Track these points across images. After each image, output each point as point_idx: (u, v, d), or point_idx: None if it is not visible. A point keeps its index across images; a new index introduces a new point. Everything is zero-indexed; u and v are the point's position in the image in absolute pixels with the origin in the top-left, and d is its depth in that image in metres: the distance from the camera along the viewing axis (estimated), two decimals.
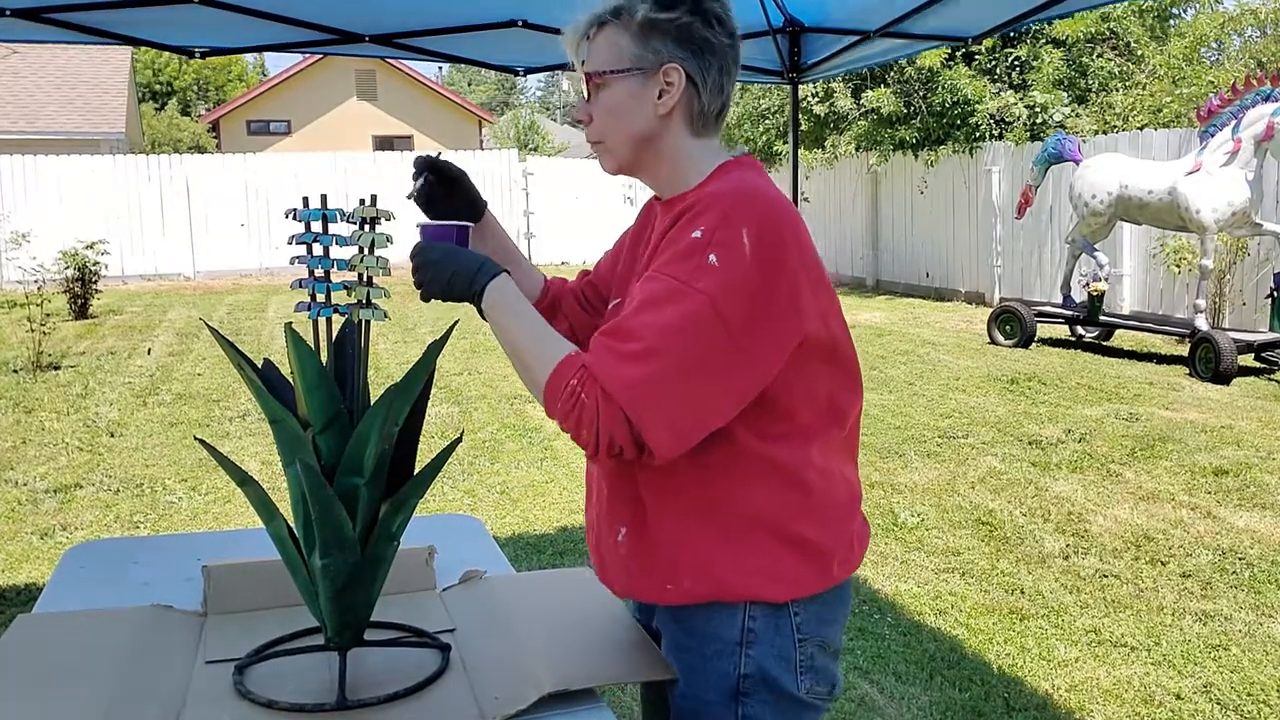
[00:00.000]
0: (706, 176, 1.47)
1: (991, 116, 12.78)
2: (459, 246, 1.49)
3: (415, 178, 1.62)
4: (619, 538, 1.49)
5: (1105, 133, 11.88)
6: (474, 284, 1.42)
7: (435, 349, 1.42)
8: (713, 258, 1.32)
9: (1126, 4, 13.02)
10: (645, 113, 1.45)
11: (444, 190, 1.66)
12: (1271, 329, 8.43)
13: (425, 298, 1.45)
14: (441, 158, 1.65)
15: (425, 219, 1.57)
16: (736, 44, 1.47)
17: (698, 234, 1.34)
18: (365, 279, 1.45)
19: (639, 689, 1.75)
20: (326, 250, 1.46)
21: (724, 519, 1.42)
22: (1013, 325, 9.79)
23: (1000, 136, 12.91)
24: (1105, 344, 9.78)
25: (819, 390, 1.44)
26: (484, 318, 1.45)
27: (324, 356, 1.44)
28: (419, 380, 1.42)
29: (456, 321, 1.82)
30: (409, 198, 1.58)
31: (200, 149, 26.78)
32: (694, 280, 1.32)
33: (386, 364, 9.00)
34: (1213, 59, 13.53)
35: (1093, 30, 13.03)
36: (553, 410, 1.35)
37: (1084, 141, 11.05)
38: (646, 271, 1.43)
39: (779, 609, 1.44)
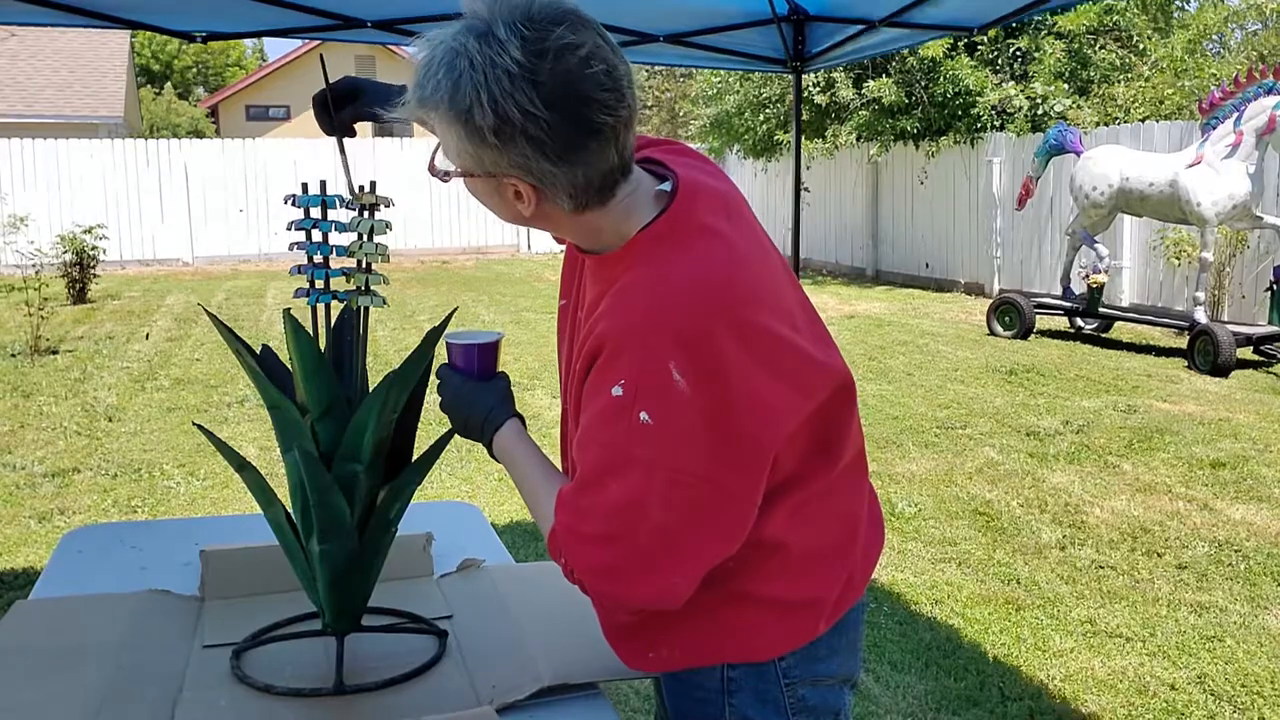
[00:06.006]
0: (628, 244, 1.21)
1: (993, 108, 12.75)
2: (471, 384, 1.39)
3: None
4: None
5: (1107, 124, 11.86)
6: (483, 434, 1.37)
7: (434, 336, 1.42)
8: (644, 416, 1.12)
9: None
10: (514, 211, 1.21)
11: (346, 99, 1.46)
12: (1270, 322, 8.43)
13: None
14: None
15: (454, 332, 1.43)
16: (621, 109, 1.12)
17: (618, 391, 1.12)
18: (364, 265, 1.45)
19: (655, 690, 1.74)
20: (325, 236, 1.46)
21: (708, 597, 1.28)
22: (1012, 316, 9.78)
23: (1001, 128, 12.87)
24: (1104, 336, 9.78)
25: (785, 462, 1.24)
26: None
27: (322, 343, 1.44)
28: (417, 367, 1.42)
29: (455, 309, 1.82)
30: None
31: (199, 134, 26.73)
32: (630, 448, 1.13)
33: (385, 350, 9.00)
34: (1215, 52, 13.51)
35: (1095, 22, 12.99)
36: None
37: (1085, 133, 11.03)
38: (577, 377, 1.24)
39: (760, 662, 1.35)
